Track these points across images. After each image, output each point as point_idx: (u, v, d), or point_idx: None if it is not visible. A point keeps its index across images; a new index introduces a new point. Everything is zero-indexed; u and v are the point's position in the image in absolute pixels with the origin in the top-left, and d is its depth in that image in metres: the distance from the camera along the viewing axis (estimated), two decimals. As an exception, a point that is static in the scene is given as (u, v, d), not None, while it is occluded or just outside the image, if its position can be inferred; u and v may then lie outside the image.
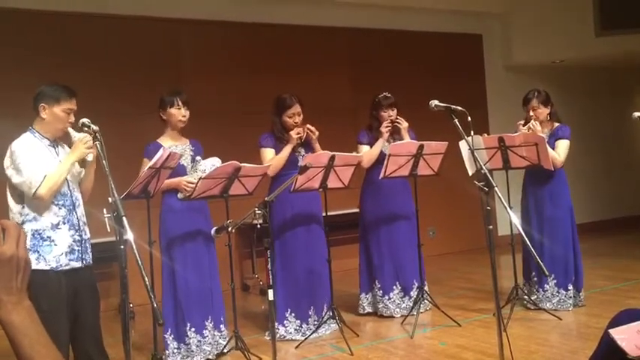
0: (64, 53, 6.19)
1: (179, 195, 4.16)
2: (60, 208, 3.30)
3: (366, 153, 5.02)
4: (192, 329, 4.14)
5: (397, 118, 5.04)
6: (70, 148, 3.39)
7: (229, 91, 7.04)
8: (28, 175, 3.17)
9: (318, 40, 7.71)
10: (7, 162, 3.25)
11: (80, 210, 3.42)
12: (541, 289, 4.92)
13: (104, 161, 2.83)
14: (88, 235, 3.45)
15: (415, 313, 4.73)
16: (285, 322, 4.61)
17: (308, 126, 4.63)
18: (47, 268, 3.23)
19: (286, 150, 4.58)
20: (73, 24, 6.31)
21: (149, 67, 6.62)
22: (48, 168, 3.23)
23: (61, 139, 3.45)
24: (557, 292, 4.89)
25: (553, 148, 4.84)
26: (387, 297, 5.06)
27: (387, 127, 4.99)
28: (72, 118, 3.31)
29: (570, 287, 4.89)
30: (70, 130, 3.35)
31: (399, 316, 5.01)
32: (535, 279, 4.97)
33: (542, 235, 4.87)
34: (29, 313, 1.08)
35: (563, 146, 4.91)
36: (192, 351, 4.13)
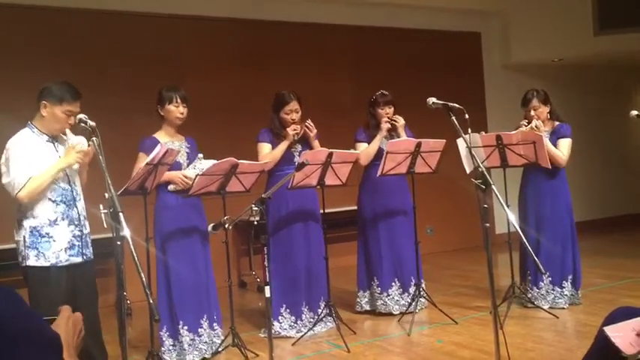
0: (61, 49, 6.18)
1: (170, 187, 4.14)
2: (58, 205, 3.29)
3: (364, 150, 5.02)
4: (185, 327, 4.13)
5: (394, 117, 5.04)
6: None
7: (228, 88, 7.03)
8: (13, 176, 3.17)
9: (317, 37, 7.70)
10: (2, 159, 3.25)
11: (81, 204, 3.41)
12: (535, 287, 4.93)
13: (101, 157, 2.82)
14: (89, 229, 3.44)
15: (412, 311, 4.75)
16: (279, 317, 4.61)
17: (307, 122, 4.63)
18: (47, 264, 3.23)
19: (282, 146, 4.58)
20: (70, 20, 6.30)
21: (148, 64, 6.61)
22: (41, 167, 3.21)
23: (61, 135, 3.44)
24: (552, 289, 4.90)
25: (555, 147, 4.86)
26: (385, 294, 5.06)
27: (386, 121, 4.99)
28: (72, 121, 3.26)
29: (565, 284, 4.91)
30: (68, 132, 3.33)
31: (397, 312, 5.01)
32: (530, 277, 4.98)
33: (539, 233, 4.88)
34: None
35: (565, 144, 4.91)
36: (185, 349, 4.12)
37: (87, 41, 6.35)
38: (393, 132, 5.08)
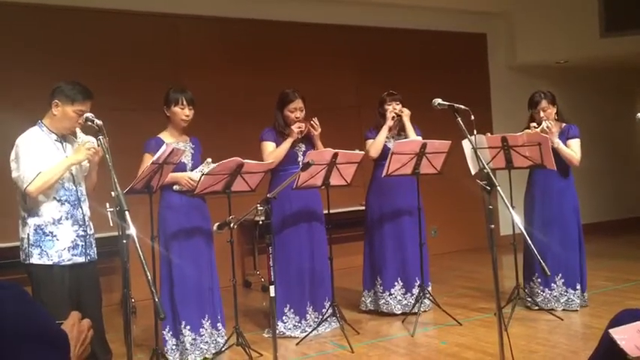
0: (61, 48, 6.19)
1: (175, 187, 4.14)
2: (62, 204, 3.31)
3: (372, 143, 5.03)
4: (187, 327, 4.13)
5: (400, 109, 5.05)
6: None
7: (230, 87, 7.03)
8: (22, 170, 3.21)
9: (323, 37, 7.70)
10: (12, 155, 3.29)
11: (86, 205, 3.44)
12: (547, 289, 4.91)
13: (107, 155, 2.84)
14: (93, 230, 3.46)
15: (416, 312, 4.75)
16: (283, 317, 4.61)
17: (313, 120, 4.63)
18: (50, 263, 3.25)
19: (286, 143, 4.57)
20: (71, 18, 6.30)
21: (149, 62, 6.62)
22: (49, 164, 3.25)
23: (69, 135, 3.47)
24: (566, 291, 4.88)
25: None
26: (387, 293, 5.06)
27: (392, 111, 5.00)
28: (82, 120, 3.28)
29: (578, 287, 4.89)
30: (79, 131, 3.36)
31: (399, 312, 5.01)
32: (539, 280, 4.96)
33: (546, 235, 4.86)
34: None
35: (577, 145, 4.89)
36: (187, 349, 4.12)
37: (87, 40, 6.34)
38: (402, 132, 5.09)
